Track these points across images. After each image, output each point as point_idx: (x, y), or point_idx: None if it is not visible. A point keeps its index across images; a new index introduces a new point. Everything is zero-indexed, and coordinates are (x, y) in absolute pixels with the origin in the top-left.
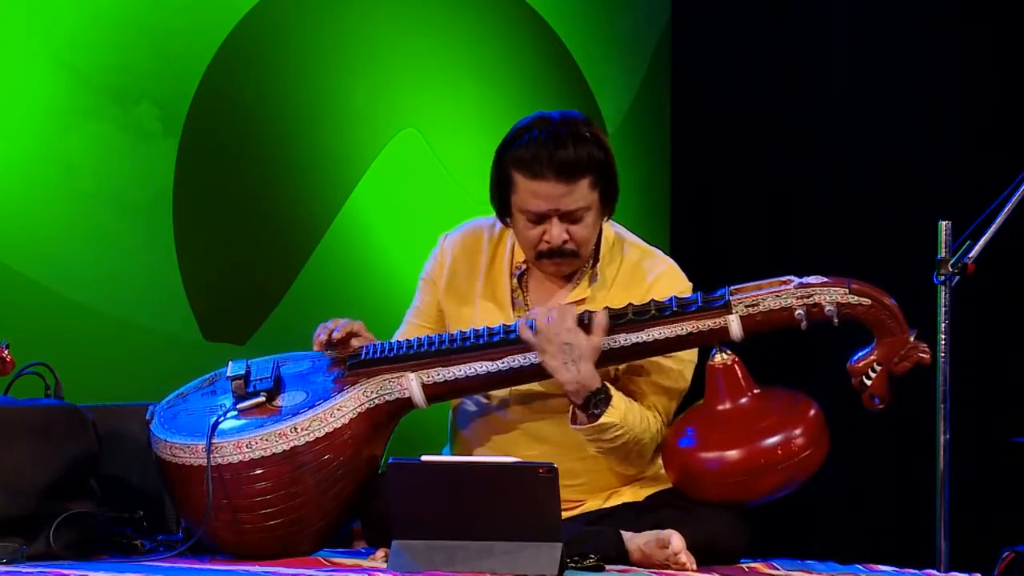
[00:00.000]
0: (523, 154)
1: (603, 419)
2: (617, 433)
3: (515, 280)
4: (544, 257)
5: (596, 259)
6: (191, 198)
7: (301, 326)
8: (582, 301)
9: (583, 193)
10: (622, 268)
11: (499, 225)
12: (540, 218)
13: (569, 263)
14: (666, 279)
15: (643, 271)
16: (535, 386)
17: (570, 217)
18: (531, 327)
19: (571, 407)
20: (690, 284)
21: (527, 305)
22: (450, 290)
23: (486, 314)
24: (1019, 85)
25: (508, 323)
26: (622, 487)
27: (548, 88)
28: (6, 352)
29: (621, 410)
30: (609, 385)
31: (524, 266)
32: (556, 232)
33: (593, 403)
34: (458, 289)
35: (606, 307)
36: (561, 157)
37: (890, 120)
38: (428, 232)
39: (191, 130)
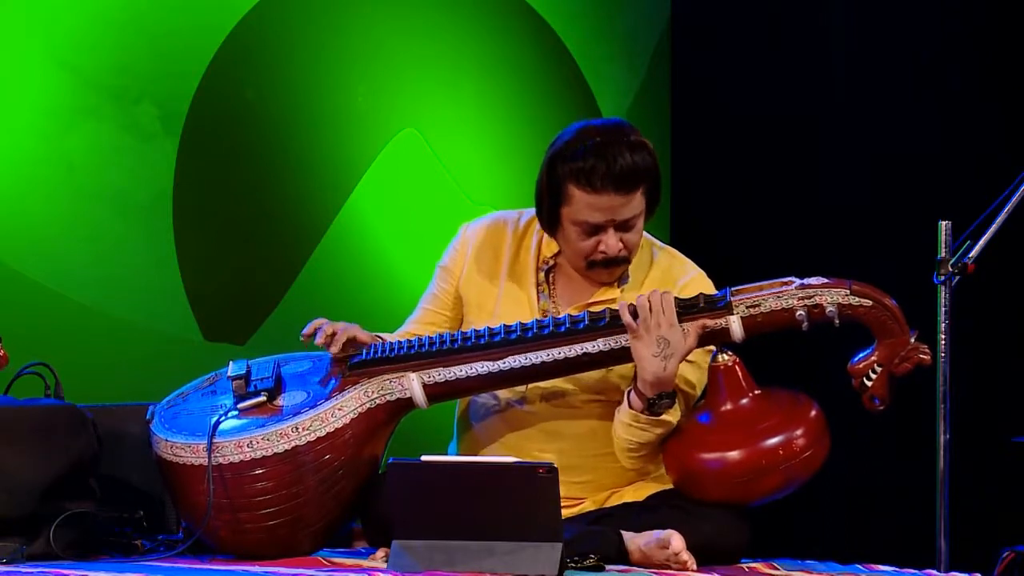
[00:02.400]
0: (580, 167)
1: (665, 416)
2: (664, 431)
3: (542, 275)
4: (598, 266)
5: None
6: (191, 198)
7: (301, 326)
8: (611, 302)
9: (638, 202)
10: (652, 272)
11: (524, 218)
12: (595, 229)
13: (620, 269)
14: (696, 286)
15: (674, 276)
16: (553, 382)
17: (624, 226)
18: (631, 310)
19: (629, 391)
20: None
21: (553, 301)
22: (472, 279)
23: (510, 306)
24: (1020, 84)
25: (529, 318)
26: (625, 486)
27: (548, 88)
28: None
29: (678, 412)
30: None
31: (552, 262)
32: (613, 243)
33: (661, 403)
34: (480, 279)
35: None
36: (620, 169)
37: (890, 119)
38: (428, 232)
39: (191, 130)
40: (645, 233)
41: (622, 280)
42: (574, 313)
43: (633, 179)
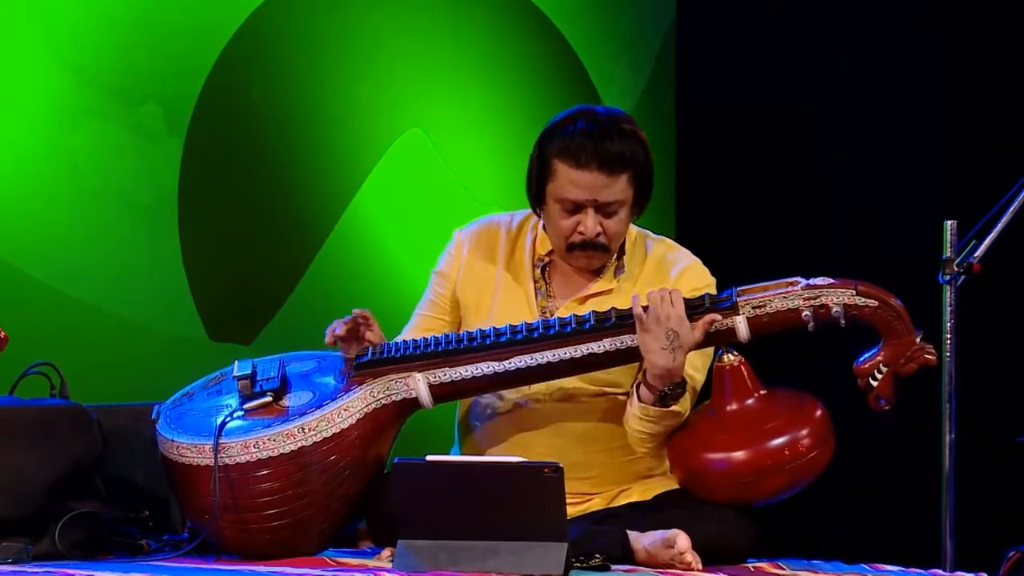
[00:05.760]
0: (568, 143)
1: (674, 407)
2: (675, 422)
3: (538, 271)
4: (576, 249)
5: (622, 252)
6: (196, 198)
7: (307, 326)
8: (608, 292)
9: (622, 187)
10: (647, 262)
11: (517, 220)
12: (576, 208)
13: (599, 257)
14: (691, 273)
15: (667, 265)
16: (557, 380)
17: (605, 210)
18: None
19: (638, 384)
20: (714, 279)
21: (550, 297)
22: (467, 283)
23: (508, 305)
24: (1021, 84)
25: (527, 315)
26: (632, 484)
27: (553, 87)
28: None
29: (688, 403)
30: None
31: (547, 259)
32: (591, 224)
33: (671, 394)
34: (476, 282)
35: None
36: (606, 149)
37: (894, 119)
38: (433, 232)
39: (196, 130)
40: (641, 228)
41: (618, 271)
42: (574, 308)
43: (619, 162)
